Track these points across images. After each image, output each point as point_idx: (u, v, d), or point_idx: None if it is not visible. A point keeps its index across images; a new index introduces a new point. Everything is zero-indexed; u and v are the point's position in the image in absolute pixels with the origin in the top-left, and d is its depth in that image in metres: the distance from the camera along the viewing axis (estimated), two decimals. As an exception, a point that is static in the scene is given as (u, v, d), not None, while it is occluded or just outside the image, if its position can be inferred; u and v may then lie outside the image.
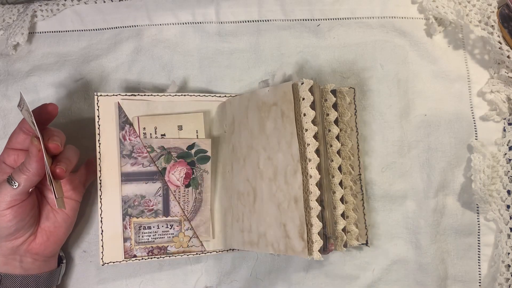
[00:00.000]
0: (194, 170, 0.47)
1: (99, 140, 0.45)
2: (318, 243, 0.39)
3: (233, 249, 0.47)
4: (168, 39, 0.52)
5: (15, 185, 0.40)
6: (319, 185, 0.41)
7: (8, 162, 0.43)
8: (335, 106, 0.45)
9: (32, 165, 0.39)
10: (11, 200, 0.40)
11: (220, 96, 0.49)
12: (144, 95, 0.46)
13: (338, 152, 0.45)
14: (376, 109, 0.50)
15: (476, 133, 0.49)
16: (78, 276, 0.49)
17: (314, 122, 0.41)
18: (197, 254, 0.47)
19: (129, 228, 0.45)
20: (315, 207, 0.40)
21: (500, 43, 0.47)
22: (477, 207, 0.48)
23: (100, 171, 0.45)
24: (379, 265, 0.48)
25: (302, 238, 0.39)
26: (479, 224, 0.49)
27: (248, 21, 0.52)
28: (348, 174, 0.46)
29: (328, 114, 0.44)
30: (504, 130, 0.49)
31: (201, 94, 0.48)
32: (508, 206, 0.48)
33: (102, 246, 0.45)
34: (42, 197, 0.45)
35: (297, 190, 0.39)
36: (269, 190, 0.42)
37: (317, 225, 0.40)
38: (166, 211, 0.46)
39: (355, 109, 0.48)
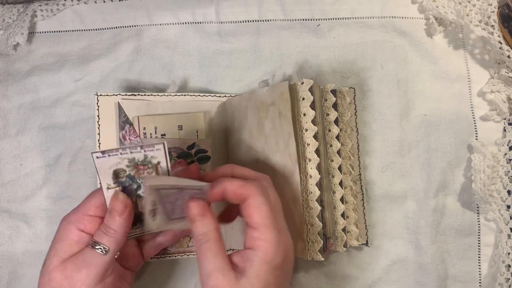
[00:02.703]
0: (194, 170, 0.47)
1: (99, 140, 0.45)
2: (318, 243, 0.39)
3: (233, 249, 0.47)
4: (168, 39, 0.52)
5: (105, 251, 0.34)
6: (319, 185, 0.41)
7: (89, 230, 0.36)
8: (335, 106, 0.45)
9: (115, 224, 0.35)
10: (102, 272, 0.35)
11: (220, 96, 0.49)
12: (144, 95, 0.46)
13: (338, 152, 0.45)
14: (376, 109, 0.50)
15: (476, 133, 0.49)
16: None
17: (314, 122, 0.41)
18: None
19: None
20: (315, 207, 0.40)
21: (501, 43, 0.47)
22: (477, 207, 0.48)
23: (100, 171, 0.45)
24: (379, 265, 0.48)
25: (302, 239, 0.39)
26: (479, 224, 0.49)
27: (248, 21, 0.52)
28: (348, 174, 0.46)
29: (328, 114, 0.44)
30: (504, 130, 0.49)
31: (201, 94, 0.48)
32: (508, 206, 0.48)
33: (102, 246, 0.44)
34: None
35: (295, 190, 0.39)
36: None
37: (317, 225, 0.40)
38: (166, 211, 0.46)
39: (355, 109, 0.48)
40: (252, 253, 0.33)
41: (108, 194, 0.37)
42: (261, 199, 0.34)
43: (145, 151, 0.35)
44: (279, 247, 0.33)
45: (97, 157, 0.35)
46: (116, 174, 0.36)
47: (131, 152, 0.35)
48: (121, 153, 0.35)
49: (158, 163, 0.36)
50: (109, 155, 0.35)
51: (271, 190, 0.37)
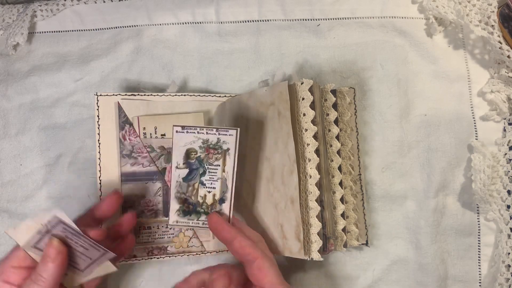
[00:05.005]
0: (194, 170, 0.47)
1: (99, 140, 0.45)
2: (317, 243, 0.39)
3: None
4: (168, 39, 0.52)
5: None
6: (319, 185, 0.41)
7: (15, 281, 0.36)
8: (335, 106, 0.45)
9: (47, 271, 0.34)
10: None
11: (220, 96, 0.49)
12: (144, 95, 0.46)
13: (338, 152, 0.45)
14: (376, 109, 0.50)
15: (476, 133, 0.49)
16: (78, 276, 0.49)
17: (314, 122, 0.41)
18: (197, 254, 0.47)
19: (129, 228, 0.45)
20: (315, 207, 0.40)
21: (500, 43, 0.47)
22: (477, 207, 0.48)
23: (100, 171, 0.45)
24: (379, 265, 0.48)
25: (298, 239, 0.39)
26: (479, 224, 0.49)
27: (248, 21, 0.52)
28: (348, 174, 0.46)
29: (328, 114, 0.44)
30: (504, 130, 0.49)
31: (201, 94, 0.48)
32: (508, 206, 0.47)
33: (102, 246, 0.45)
34: None
35: (293, 190, 0.39)
36: (267, 191, 0.42)
37: (316, 225, 0.40)
38: (166, 211, 0.46)
39: (355, 109, 0.48)
40: None
41: (176, 173, 0.39)
42: (268, 262, 0.37)
43: (219, 133, 0.38)
44: None
45: (177, 131, 0.38)
46: (188, 154, 0.39)
47: (207, 133, 0.38)
48: (198, 132, 0.38)
49: (228, 149, 0.38)
50: (187, 132, 0.38)
51: (268, 251, 0.40)
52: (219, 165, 0.39)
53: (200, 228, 0.41)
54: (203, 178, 0.39)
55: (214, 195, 0.40)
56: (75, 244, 0.36)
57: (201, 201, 0.40)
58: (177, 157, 0.39)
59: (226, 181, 0.39)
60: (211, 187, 0.40)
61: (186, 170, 0.40)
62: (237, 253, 0.38)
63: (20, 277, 0.36)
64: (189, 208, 0.40)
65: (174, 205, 0.40)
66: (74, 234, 0.35)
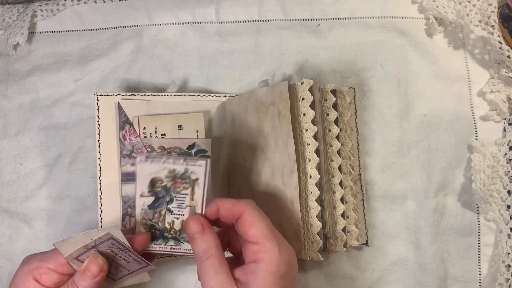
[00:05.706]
0: (194, 170, 0.47)
1: (99, 140, 0.45)
2: (317, 243, 0.39)
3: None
4: (168, 39, 0.52)
5: None
6: (319, 185, 0.41)
7: (45, 283, 0.36)
8: (335, 106, 0.45)
9: (84, 285, 0.34)
10: None
11: (220, 96, 0.49)
12: (144, 95, 0.46)
13: (338, 152, 0.45)
14: (376, 109, 0.50)
15: (476, 133, 0.49)
16: (78, 276, 0.49)
17: (314, 122, 0.41)
18: (197, 254, 0.46)
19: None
20: (315, 207, 0.40)
21: (501, 43, 0.47)
22: (477, 207, 0.48)
23: (100, 171, 0.45)
24: (379, 265, 0.48)
25: (298, 239, 0.39)
26: (479, 224, 0.49)
27: (248, 21, 0.52)
28: (348, 174, 0.46)
29: (328, 114, 0.44)
30: (504, 130, 0.49)
31: (201, 94, 0.48)
32: (508, 206, 0.47)
33: (102, 246, 0.44)
34: None
35: (293, 190, 0.39)
36: (267, 191, 0.42)
37: (316, 225, 0.40)
38: (166, 211, 0.46)
39: (355, 109, 0.48)
40: (255, 266, 0.33)
41: (140, 201, 0.37)
42: (256, 213, 0.34)
43: (187, 164, 0.35)
44: (282, 257, 0.33)
45: (140, 161, 0.36)
46: (153, 183, 0.37)
47: (174, 163, 0.36)
48: (163, 162, 0.36)
49: (196, 179, 0.36)
50: (152, 161, 0.36)
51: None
52: (187, 194, 0.37)
53: (168, 253, 0.39)
54: (170, 206, 0.38)
55: (182, 221, 0.38)
56: (119, 258, 0.36)
57: (168, 227, 0.38)
58: (141, 186, 0.37)
59: (195, 208, 0.37)
60: (179, 214, 0.38)
61: (152, 198, 0.38)
62: (226, 219, 0.35)
63: (52, 281, 0.36)
64: (155, 233, 0.39)
65: (140, 230, 0.39)
66: (121, 249, 0.35)
